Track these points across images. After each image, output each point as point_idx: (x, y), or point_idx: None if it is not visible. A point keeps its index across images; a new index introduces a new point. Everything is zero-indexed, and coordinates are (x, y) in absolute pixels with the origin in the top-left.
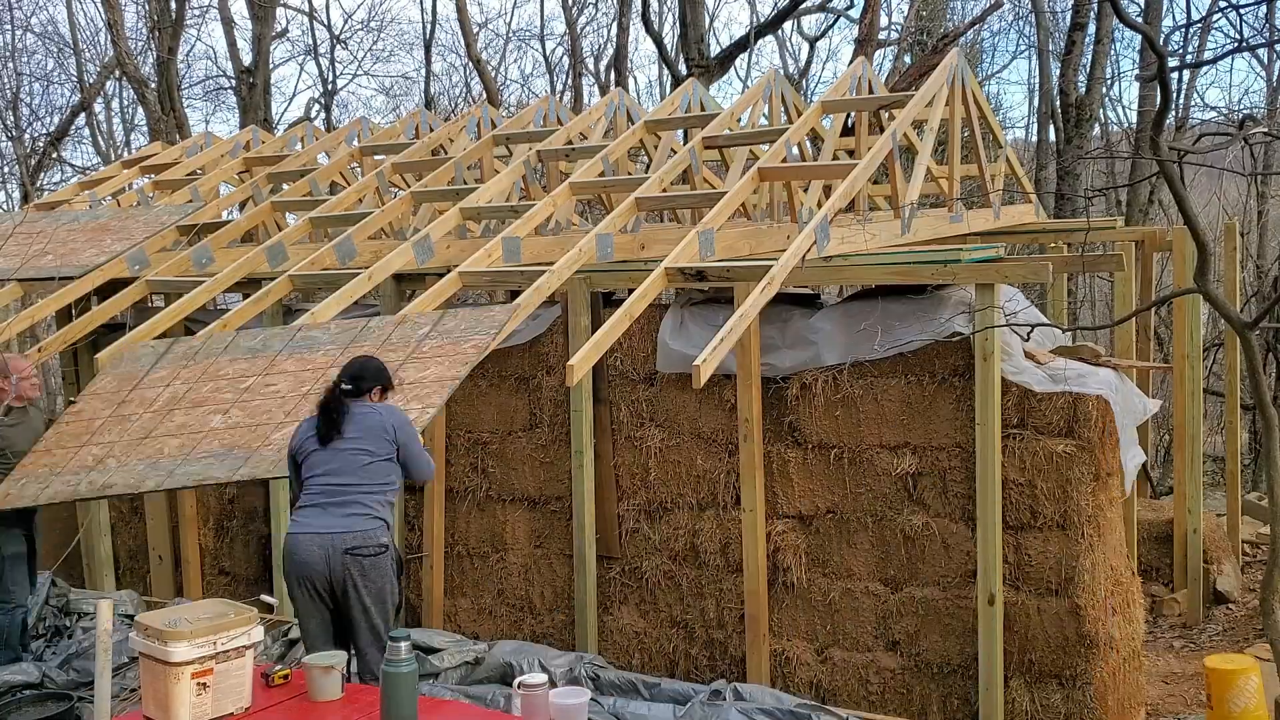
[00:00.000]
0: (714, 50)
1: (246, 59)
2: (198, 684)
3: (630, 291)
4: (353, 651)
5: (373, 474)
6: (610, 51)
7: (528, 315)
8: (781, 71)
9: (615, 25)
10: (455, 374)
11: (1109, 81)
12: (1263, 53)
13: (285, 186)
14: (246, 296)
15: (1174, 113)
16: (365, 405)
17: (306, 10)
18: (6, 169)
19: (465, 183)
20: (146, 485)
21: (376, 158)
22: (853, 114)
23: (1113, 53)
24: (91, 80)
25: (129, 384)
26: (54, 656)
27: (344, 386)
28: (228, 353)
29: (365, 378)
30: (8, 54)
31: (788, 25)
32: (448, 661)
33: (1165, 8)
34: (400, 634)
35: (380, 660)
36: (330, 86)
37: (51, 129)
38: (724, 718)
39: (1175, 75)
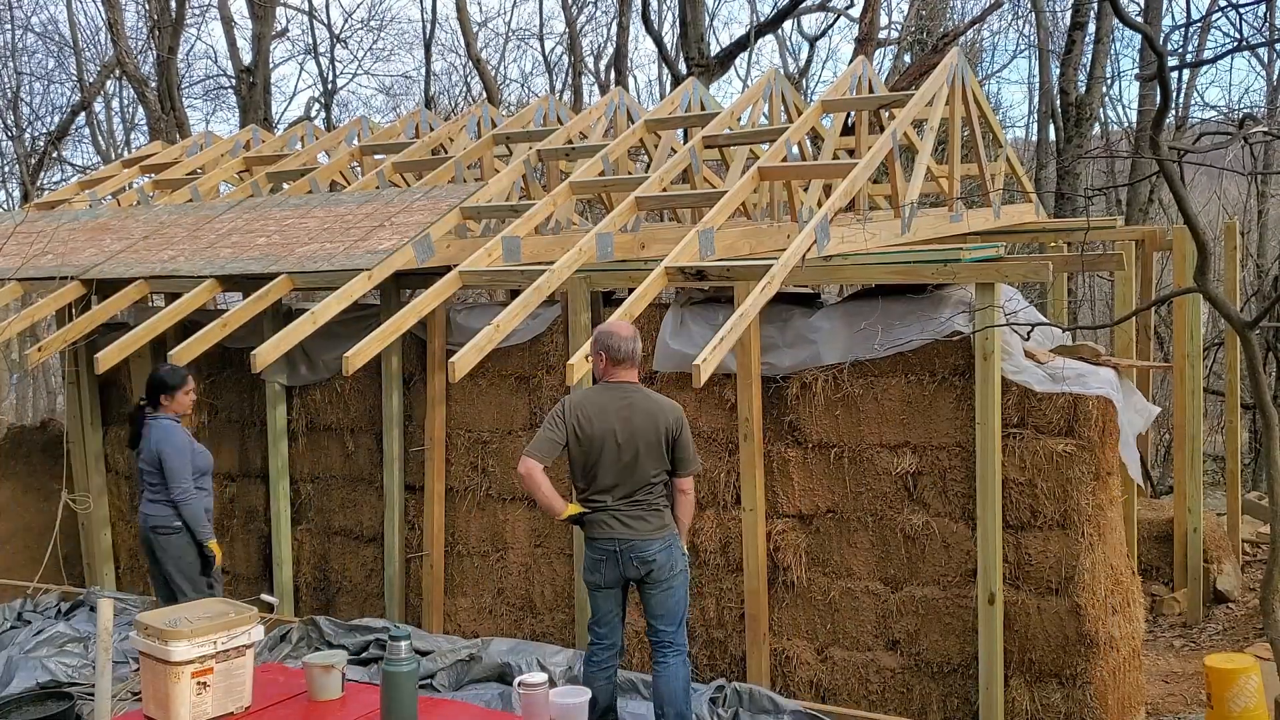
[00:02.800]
0: (714, 49)
1: (246, 58)
2: (198, 683)
3: (630, 291)
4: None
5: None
6: (610, 51)
7: (528, 314)
8: (781, 71)
9: (615, 24)
10: (434, 218)
11: (1109, 81)
12: (1263, 52)
13: (286, 186)
14: (246, 296)
15: (1174, 112)
16: (154, 421)
17: (306, 9)
18: (6, 168)
19: (465, 182)
20: (204, 273)
21: (376, 157)
22: (853, 113)
23: (1112, 52)
24: (91, 80)
25: (204, 221)
26: None
27: (141, 402)
28: (279, 206)
29: (150, 389)
30: (8, 53)
31: (788, 24)
32: (439, 662)
33: (1165, 7)
34: (400, 633)
35: (187, 595)
36: (330, 86)
37: (52, 128)
38: (724, 717)
39: (1175, 74)
